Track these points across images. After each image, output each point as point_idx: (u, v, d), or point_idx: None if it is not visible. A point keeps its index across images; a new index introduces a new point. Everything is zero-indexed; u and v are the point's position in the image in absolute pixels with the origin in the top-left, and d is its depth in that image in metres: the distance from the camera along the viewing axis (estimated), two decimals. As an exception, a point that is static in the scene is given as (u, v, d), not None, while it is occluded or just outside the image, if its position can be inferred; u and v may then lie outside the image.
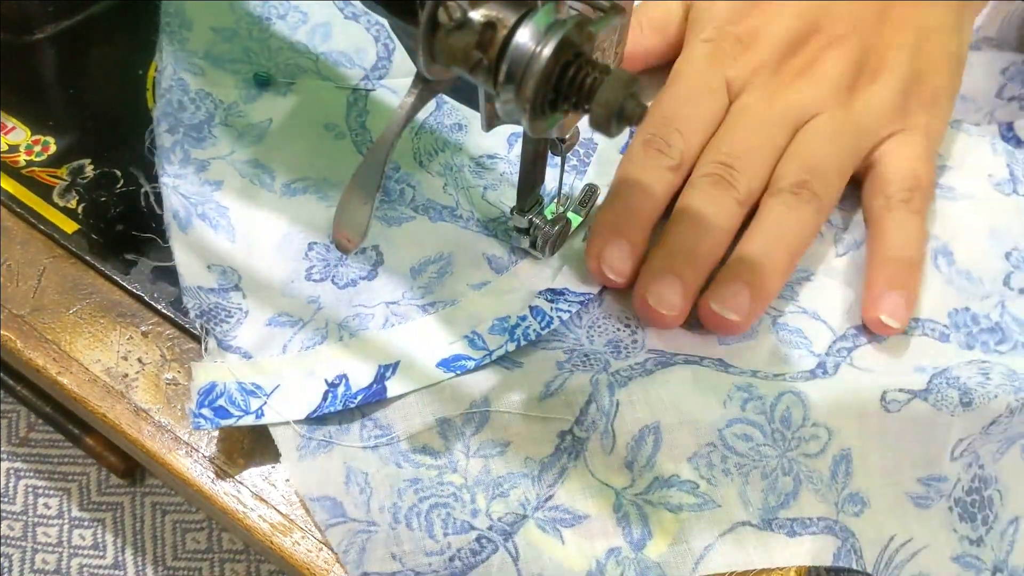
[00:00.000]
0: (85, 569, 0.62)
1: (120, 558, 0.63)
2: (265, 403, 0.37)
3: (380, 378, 0.38)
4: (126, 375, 0.41)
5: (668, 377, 0.38)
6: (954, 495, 0.38)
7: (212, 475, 0.38)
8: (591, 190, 0.43)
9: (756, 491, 0.37)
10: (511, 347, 0.39)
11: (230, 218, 0.42)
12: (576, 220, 0.42)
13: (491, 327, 0.39)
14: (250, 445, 0.39)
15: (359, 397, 0.37)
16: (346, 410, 0.37)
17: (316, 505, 0.36)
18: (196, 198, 0.43)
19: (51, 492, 0.63)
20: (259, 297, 0.41)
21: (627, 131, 0.45)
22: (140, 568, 0.67)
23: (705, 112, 0.43)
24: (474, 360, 0.38)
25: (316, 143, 0.45)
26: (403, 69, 0.48)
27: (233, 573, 0.70)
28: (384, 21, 0.49)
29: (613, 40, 0.33)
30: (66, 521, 0.63)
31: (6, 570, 0.62)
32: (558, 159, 0.40)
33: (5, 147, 0.46)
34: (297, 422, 0.37)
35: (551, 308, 0.40)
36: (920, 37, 0.45)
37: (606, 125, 0.29)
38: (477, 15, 0.29)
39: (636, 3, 0.46)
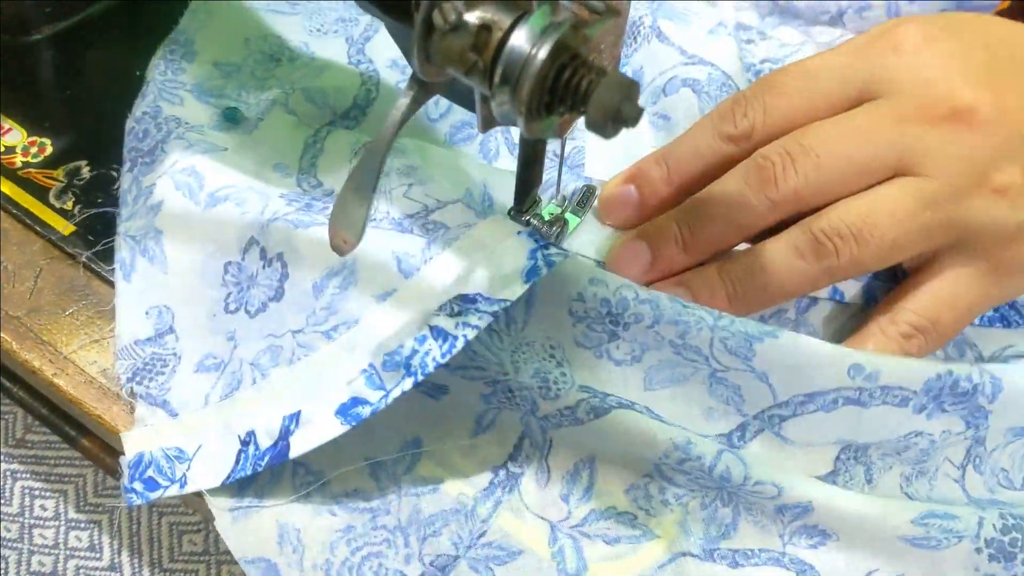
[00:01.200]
0: (81, 571, 0.62)
1: (116, 560, 0.63)
2: (188, 469, 0.37)
3: (284, 433, 0.36)
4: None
5: (601, 427, 0.36)
6: (984, 535, 0.35)
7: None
8: (589, 190, 0.42)
9: (696, 521, 0.36)
10: (408, 384, 0.34)
11: (163, 244, 0.41)
12: (574, 221, 0.42)
13: (384, 362, 0.35)
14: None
15: (266, 458, 0.36)
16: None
17: (251, 567, 0.36)
18: (140, 232, 0.42)
19: (47, 494, 0.62)
20: (190, 336, 0.40)
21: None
22: (136, 570, 0.67)
23: (816, 95, 0.37)
24: (371, 405, 0.35)
25: (260, 172, 0.43)
26: (373, 126, 0.45)
27: (229, 575, 0.70)
28: (383, 72, 0.47)
29: (609, 42, 0.33)
30: (62, 523, 0.62)
31: (3, 572, 0.62)
32: (555, 161, 0.40)
33: (2, 148, 0.46)
34: (216, 490, 0.36)
35: (456, 325, 0.35)
36: None
37: (602, 127, 0.29)
38: (472, 17, 0.29)
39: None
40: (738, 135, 0.38)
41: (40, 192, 0.45)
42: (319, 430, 0.35)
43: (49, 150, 0.46)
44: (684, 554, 0.36)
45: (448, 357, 0.34)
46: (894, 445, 0.36)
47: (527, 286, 0.35)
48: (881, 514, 0.35)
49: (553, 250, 0.36)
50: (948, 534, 0.35)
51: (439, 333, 0.35)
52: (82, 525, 0.63)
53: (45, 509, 0.62)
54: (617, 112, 0.29)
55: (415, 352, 0.35)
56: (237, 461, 0.36)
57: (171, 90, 0.46)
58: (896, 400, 0.36)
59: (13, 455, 0.63)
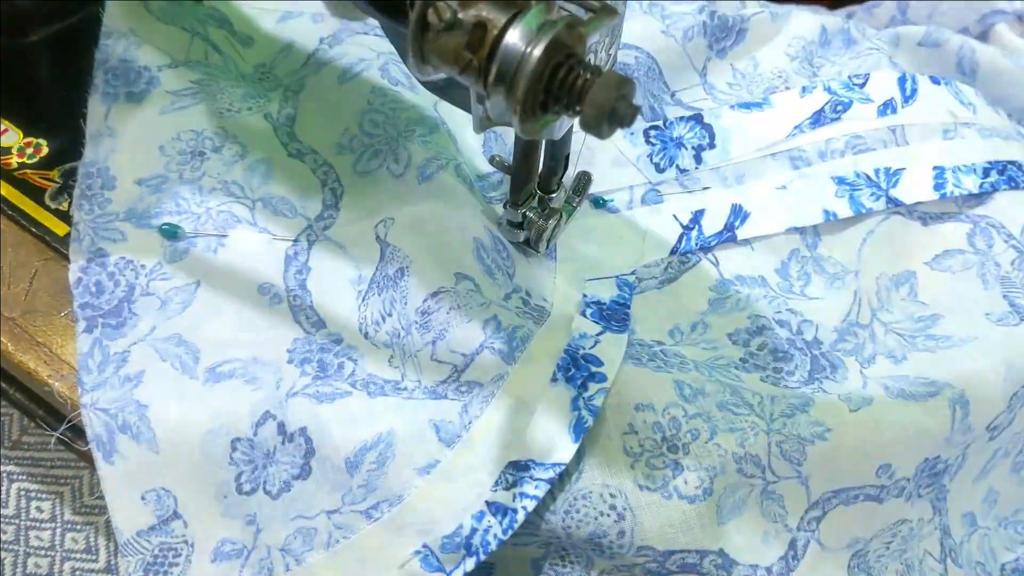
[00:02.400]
0: (78, 573, 0.62)
1: (113, 562, 0.62)
2: None
3: None
4: (117, 377, 0.40)
5: None
6: None
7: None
8: (584, 177, 0.42)
9: None
10: (470, 564, 0.33)
11: (150, 420, 0.37)
12: (570, 211, 0.42)
13: (443, 545, 0.34)
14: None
15: None
16: None
17: None
18: (116, 407, 0.38)
19: (44, 496, 0.62)
20: (200, 521, 0.36)
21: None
22: (133, 572, 0.66)
23: None
24: None
25: (248, 311, 0.39)
26: (351, 218, 0.42)
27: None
28: (331, 160, 0.44)
29: (605, 42, 0.33)
30: (59, 525, 0.62)
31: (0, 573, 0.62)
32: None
33: (-3, 149, 0.46)
34: None
35: (513, 497, 0.33)
36: None
37: (597, 127, 0.29)
38: (467, 15, 0.29)
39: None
40: None
41: (36, 193, 0.45)
42: None
43: (45, 151, 0.46)
44: None
45: (510, 533, 0.33)
46: (886, 537, 0.38)
47: (577, 444, 0.34)
48: None
49: (592, 388, 0.35)
50: None
51: (497, 508, 0.34)
52: (78, 527, 0.62)
53: (41, 511, 0.62)
54: (612, 111, 0.29)
55: (475, 531, 0.34)
56: None
57: (105, 226, 0.42)
58: (897, 491, 0.37)
59: (9, 457, 0.62)
